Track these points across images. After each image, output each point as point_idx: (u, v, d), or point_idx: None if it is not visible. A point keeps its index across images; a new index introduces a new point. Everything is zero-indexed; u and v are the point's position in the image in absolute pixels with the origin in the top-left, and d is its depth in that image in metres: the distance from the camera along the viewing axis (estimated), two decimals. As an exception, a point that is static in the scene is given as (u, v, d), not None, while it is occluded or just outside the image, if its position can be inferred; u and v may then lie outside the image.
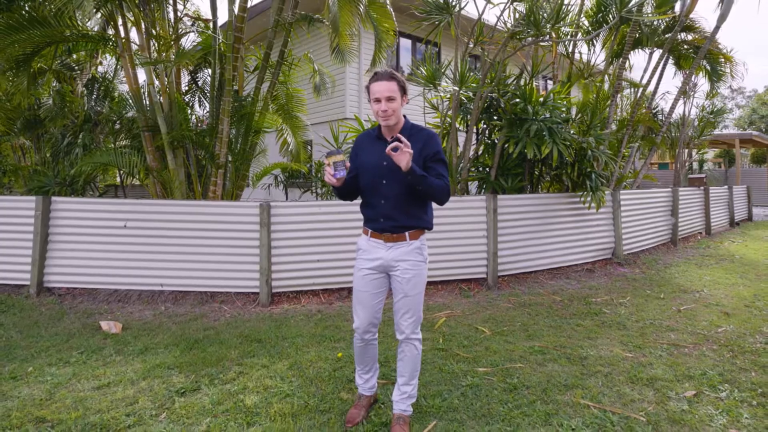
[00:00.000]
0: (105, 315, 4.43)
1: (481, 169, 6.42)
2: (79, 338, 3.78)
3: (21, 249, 4.94)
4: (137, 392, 2.84)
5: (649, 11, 6.97)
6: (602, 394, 2.78)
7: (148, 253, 4.90)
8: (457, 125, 6.29)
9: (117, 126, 7.78)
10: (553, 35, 6.63)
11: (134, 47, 6.06)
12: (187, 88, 7.54)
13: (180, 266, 4.88)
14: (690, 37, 8.49)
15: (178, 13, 6.63)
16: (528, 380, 2.96)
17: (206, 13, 12.96)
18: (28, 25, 4.98)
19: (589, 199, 5.93)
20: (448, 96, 6.01)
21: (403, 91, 2.29)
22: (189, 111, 6.93)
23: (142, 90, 6.31)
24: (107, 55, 8.41)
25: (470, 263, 5.39)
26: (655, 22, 7.58)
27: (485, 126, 6.51)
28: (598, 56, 8.06)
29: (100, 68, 8.50)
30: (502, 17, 6.04)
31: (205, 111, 7.95)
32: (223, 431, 2.41)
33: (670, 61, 8.77)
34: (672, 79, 13.72)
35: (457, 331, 3.91)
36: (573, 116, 6.52)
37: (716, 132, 14.04)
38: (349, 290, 4.96)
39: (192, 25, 7.29)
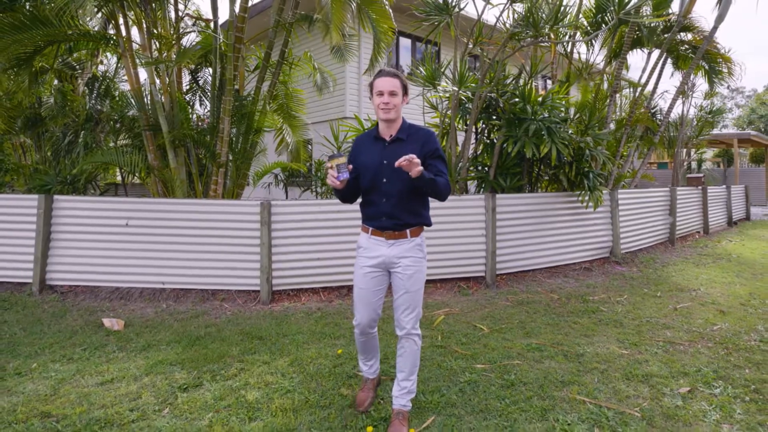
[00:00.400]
0: (107, 312, 4.47)
1: (479, 168, 6.46)
2: (82, 335, 3.82)
3: (23, 247, 4.98)
4: (140, 388, 2.88)
5: (647, 12, 7.00)
6: (598, 390, 2.83)
7: (149, 252, 4.94)
8: (456, 125, 6.32)
9: (118, 125, 7.80)
10: (552, 36, 6.66)
11: (135, 47, 6.09)
12: (188, 87, 7.56)
13: (181, 264, 4.92)
14: (688, 37, 8.53)
15: (179, 13, 6.66)
16: (525, 376, 3.00)
17: (207, 13, 12.96)
18: (30, 25, 5.00)
19: (587, 198, 5.96)
20: (448, 96, 6.03)
21: (405, 90, 2.35)
22: (190, 110, 6.96)
23: (143, 89, 6.34)
24: (108, 54, 8.43)
25: (469, 262, 5.43)
26: (653, 23, 7.62)
27: (484, 125, 6.56)
28: (597, 56, 8.09)
29: (101, 67, 8.51)
30: (501, 18, 6.08)
31: (206, 110, 7.99)
32: (225, 426, 2.45)
33: (669, 60, 8.81)
34: (670, 79, 13.68)
35: (455, 329, 3.96)
36: (571, 116, 6.56)
37: (715, 132, 14.07)
38: (349, 288, 5.00)
39: (193, 24, 7.31)
